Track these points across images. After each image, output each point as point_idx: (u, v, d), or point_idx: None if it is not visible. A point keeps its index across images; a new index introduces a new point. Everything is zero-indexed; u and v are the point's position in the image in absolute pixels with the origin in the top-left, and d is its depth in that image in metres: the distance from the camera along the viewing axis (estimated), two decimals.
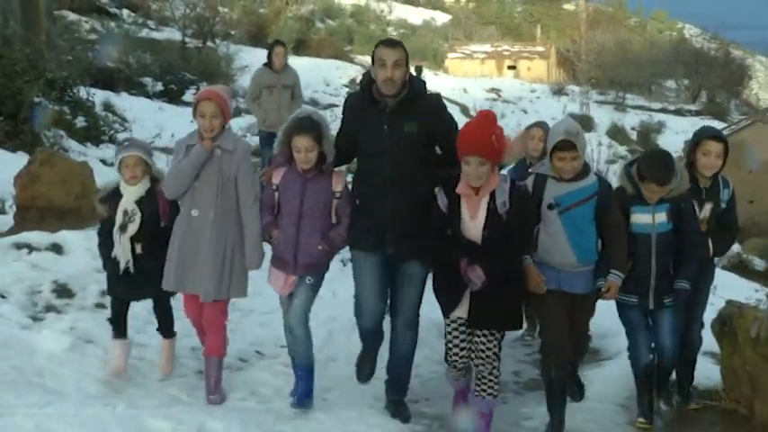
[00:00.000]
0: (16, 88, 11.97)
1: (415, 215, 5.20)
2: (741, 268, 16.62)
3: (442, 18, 76.16)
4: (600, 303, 5.48)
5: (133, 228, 5.66)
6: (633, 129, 36.25)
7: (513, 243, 5.03)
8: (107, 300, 6.18)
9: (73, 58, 18.55)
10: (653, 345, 5.50)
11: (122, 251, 5.68)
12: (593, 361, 6.71)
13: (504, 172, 6.26)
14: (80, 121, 13.84)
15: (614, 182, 5.79)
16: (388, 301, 5.57)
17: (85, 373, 5.66)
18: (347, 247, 5.62)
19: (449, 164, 5.19)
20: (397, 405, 5.62)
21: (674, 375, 5.84)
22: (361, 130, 5.39)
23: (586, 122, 33.60)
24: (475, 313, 5.11)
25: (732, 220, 5.87)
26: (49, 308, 6.66)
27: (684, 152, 5.81)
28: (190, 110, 5.72)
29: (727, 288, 8.10)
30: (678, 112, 44.54)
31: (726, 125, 33.17)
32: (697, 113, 45.10)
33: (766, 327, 5.50)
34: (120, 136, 14.91)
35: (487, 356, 5.17)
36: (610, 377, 5.96)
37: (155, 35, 30.45)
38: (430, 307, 5.46)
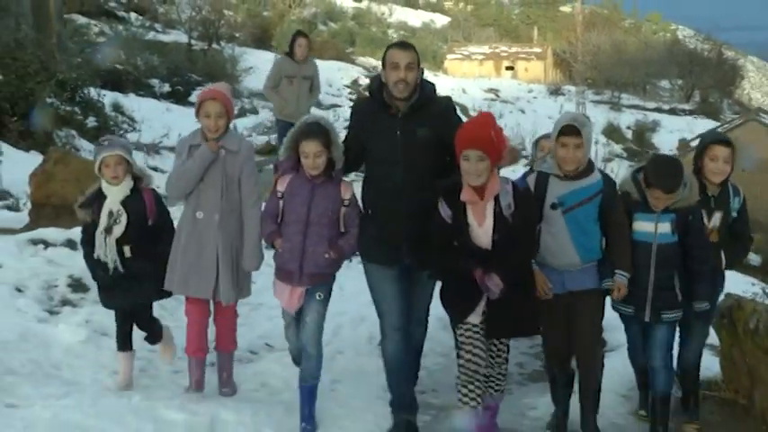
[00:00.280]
0: (29, 89, 12.01)
1: (428, 223, 4.92)
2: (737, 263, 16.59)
3: (441, 20, 76.11)
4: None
5: (119, 229, 5.34)
6: (628, 128, 36.21)
7: (521, 246, 4.84)
8: None
9: (82, 60, 18.56)
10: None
11: (108, 252, 5.36)
12: None
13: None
14: (91, 121, 13.89)
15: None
16: None
17: (101, 365, 5.68)
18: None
19: (448, 168, 4.95)
20: None
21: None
22: (371, 136, 5.12)
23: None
24: (492, 321, 4.87)
25: (744, 229, 5.50)
26: (65, 302, 6.68)
27: (692, 158, 5.45)
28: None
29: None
30: (672, 112, 44.46)
31: (719, 124, 33.19)
32: (691, 113, 45.05)
33: (765, 319, 5.51)
34: (130, 136, 14.96)
35: (497, 362, 5.10)
36: (611, 369, 5.95)
37: (162, 38, 30.41)
38: (434, 303, 5.39)
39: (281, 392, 5.71)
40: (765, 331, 5.48)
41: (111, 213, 5.33)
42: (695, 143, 23.94)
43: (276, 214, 5.21)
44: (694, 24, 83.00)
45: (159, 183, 5.87)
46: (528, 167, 6.92)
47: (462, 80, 47.43)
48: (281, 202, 5.17)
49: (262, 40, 37.61)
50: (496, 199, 4.78)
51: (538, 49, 65.19)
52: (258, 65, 28.37)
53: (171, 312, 6.48)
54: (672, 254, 5.05)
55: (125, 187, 5.38)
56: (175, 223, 5.51)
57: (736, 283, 9.85)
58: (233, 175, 5.30)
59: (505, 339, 5.10)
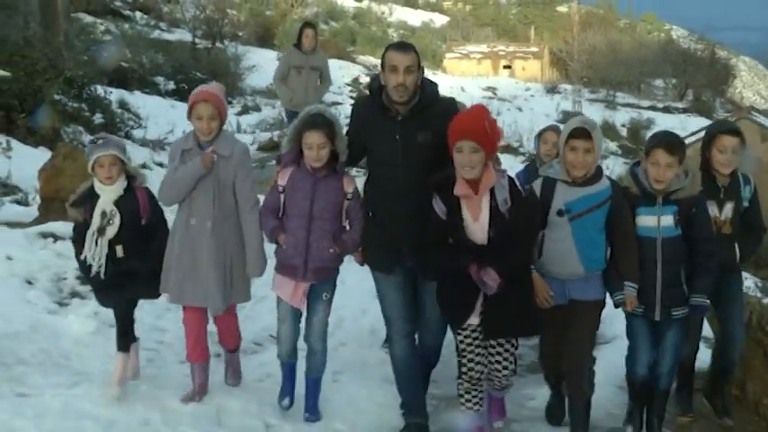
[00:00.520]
0: (37, 86, 12.02)
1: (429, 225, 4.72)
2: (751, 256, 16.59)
3: (440, 20, 75.93)
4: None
5: (112, 230, 5.11)
6: (623, 125, 36.11)
7: (520, 243, 4.61)
8: None
9: (89, 58, 18.57)
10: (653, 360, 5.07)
11: (97, 254, 5.12)
12: None
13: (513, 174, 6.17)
14: (98, 118, 13.89)
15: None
16: None
17: (110, 356, 5.68)
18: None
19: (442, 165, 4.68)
20: None
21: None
22: (371, 138, 4.92)
23: None
24: (489, 321, 4.67)
25: (757, 218, 5.28)
26: (74, 294, 6.71)
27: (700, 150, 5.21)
28: None
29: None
30: (666, 110, 44.36)
31: (712, 122, 33.15)
32: (684, 111, 44.95)
33: (757, 312, 5.53)
34: (136, 132, 14.99)
35: (504, 366, 4.85)
36: (607, 361, 5.97)
37: (166, 36, 30.36)
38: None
39: None
40: (758, 324, 5.50)
41: (104, 214, 5.11)
42: (689, 140, 23.96)
43: (277, 209, 5.03)
44: (688, 24, 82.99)
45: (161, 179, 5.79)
46: (526, 162, 6.88)
47: (461, 79, 47.36)
48: (282, 196, 4.99)
49: (264, 39, 37.56)
50: (492, 193, 4.56)
51: (535, 49, 65.08)
52: (261, 63, 28.37)
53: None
54: (677, 248, 4.80)
55: (119, 187, 5.15)
56: (170, 223, 5.36)
57: None
58: (226, 181, 5.06)
59: (512, 346, 4.84)
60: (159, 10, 35.89)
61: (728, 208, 5.14)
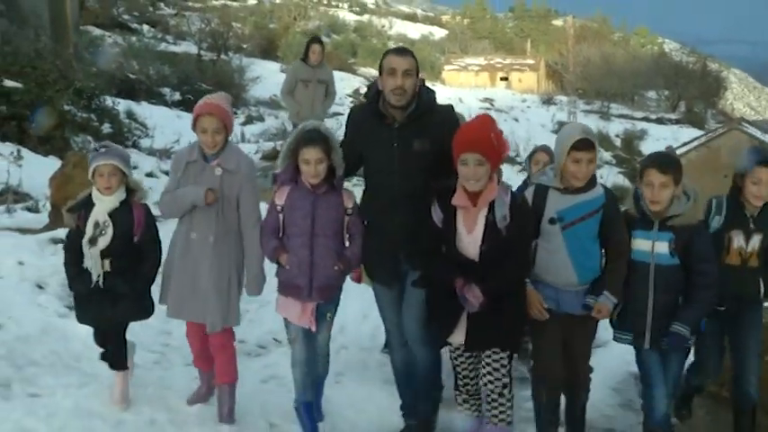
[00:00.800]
0: (47, 97, 12.07)
1: (425, 231, 4.53)
2: None
3: (439, 33, 76.19)
4: None
5: (104, 242, 4.83)
6: (617, 136, 36.23)
7: (514, 261, 4.35)
8: None
9: (98, 70, 18.64)
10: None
11: (93, 264, 4.86)
12: None
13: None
14: (106, 128, 13.96)
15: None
16: None
17: None
18: None
19: (446, 175, 4.48)
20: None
21: None
22: (367, 146, 4.73)
23: None
24: (470, 334, 4.44)
25: None
26: None
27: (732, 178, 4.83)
28: None
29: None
30: (659, 121, 44.50)
31: (703, 133, 33.23)
32: (677, 122, 45.11)
33: None
34: (143, 142, 15.05)
35: (496, 377, 4.50)
36: (601, 363, 5.99)
37: (173, 48, 30.53)
38: None
39: (289, 383, 5.72)
40: None
41: (97, 224, 4.85)
42: (681, 150, 24.02)
43: (276, 228, 4.79)
44: (680, 38, 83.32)
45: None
46: (525, 176, 6.71)
47: (459, 90, 47.48)
48: (280, 215, 4.76)
49: (268, 51, 37.77)
50: (491, 207, 4.33)
51: (531, 61, 65.23)
52: (264, 75, 28.52)
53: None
54: (672, 278, 4.48)
55: (116, 199, 4.88)
56: (167, 238, 5.10)
57: None
58: (230, 196, 4.84)
59: (494, 353, 4.49)
60: (166, 23, 36.10)
61: (756, 240, 4.74)
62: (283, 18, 45.59)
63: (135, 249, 4.91)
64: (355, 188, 5.25)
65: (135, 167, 12.54)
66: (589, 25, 78.23)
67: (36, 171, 10.10)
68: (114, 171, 4.84)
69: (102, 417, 4.92)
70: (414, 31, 73.49)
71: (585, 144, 4.40)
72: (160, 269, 5.07)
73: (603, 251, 4.60)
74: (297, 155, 4.63)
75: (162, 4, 41.49)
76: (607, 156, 30.66)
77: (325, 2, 72.63)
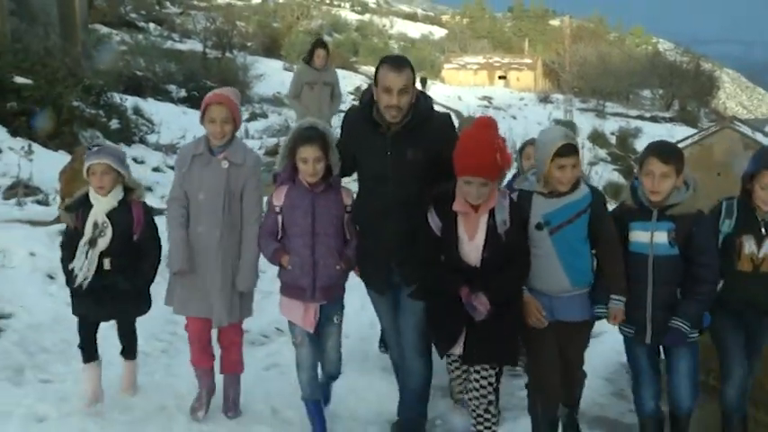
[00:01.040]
0: (57, 93, 12.09)
1: (420, 240, 4.34)
2: None
3: (439, 32, 76.20)
4: None
5: (104, 242, 4.71)
6: (612, 134, 36.19)
7: (516, 266, 4.18)
8: None
9: (105, 67, 18.66)
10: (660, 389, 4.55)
11: (86, 266, 4.73)
12: None
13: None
14: (114, 123, 13.97)
15: (596, 183, 5.50)
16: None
17: None
18: None
19: (443, 181, 4.28)
20: None
21: None
22: (361, 152, 4.54)
23: (570, 128, 33.65)
24: (469, 346, 4.24)
25: None
26: None
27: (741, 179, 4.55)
28: None
29: None
30: (653, 119, 44.49)
31: (696, 131, 33.23)
32: (670, 120, 45.10)
33: None
34: (150, 137, 15.09)
35: (482, 394, 4.33)
36: (594, 354, 6.02)
37: (179, 46, 30.54)
38: None
39: (291, 372, 5.75)
40: None
41: (95, 225, 4.73)
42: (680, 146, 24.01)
43: (275, 231, 4.60)
44: (674, 38, 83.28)
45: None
46: (515, 172, 6.58)
47: (458, 88, 47.59)
48: (279, 217, 4.58)
49: (271, 50, 37.82)
50: (491, 212, 4.14)
51: (528, 60, 65.23)
52: (268, 72, 28.58)
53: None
54: (672, 269, 4.27)
55: (112, 198, 4.77)
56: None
57: None
58: (236, 189, 4.70)
59: (483, 369, 4.31)
60: (172, 22, 36.12)
61: None
62: (286, 17, 45.61)
63: (135, 248, 4.82)
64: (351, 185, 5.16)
65: (142, 162, 12.68)
66: (585, 25, 78.16)
67: (46, 165, 10.15)
68: (107, 170, 4.71)
69: (111, 402, 4.99)
70: (414, 30, 73.52)
71: (569, 149, 4.18)
72: (161, 267, 4.99)
73: (594, 251, 4.39)
74: (295, 153, 4.47)
75: (168, 3, 41.50)
76: (602, 153, 30.68)
77: (328, 1, 72.63)
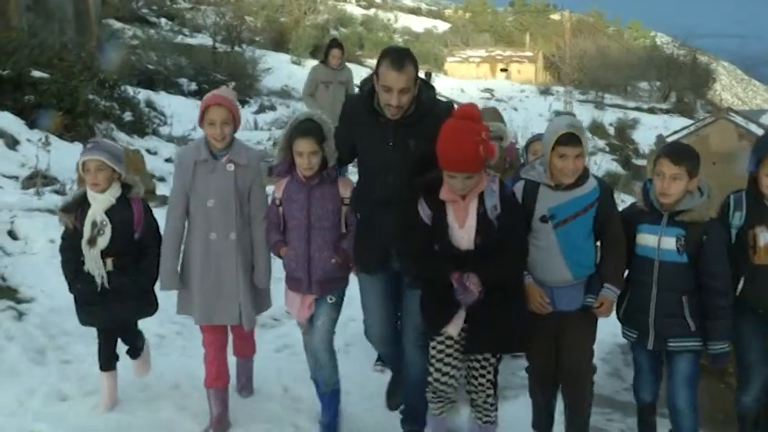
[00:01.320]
0: (73, 87, 12.15)
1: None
2: None
3: (442, 26, 75.89)
4: None
5: (103, 241, 4.51)
6: (611, 125, 36.13)
7: (510, 252, 3.95)
8: None
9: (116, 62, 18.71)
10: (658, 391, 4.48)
11: (95, 266, 4.54)
12: None
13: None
14: (127, 116, 14.04)
15: (595, 173, 5.28)
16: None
17: (144, 328, 5.90)
18: None
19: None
20: None
21: None
22: (361, 141, 4.35)
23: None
24: (471, 333, 4.03)
25: None
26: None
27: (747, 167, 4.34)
28: None
29: None
30: (651, 111, 44.40)
31: (692, 122, 33.18)
32: (667, 111, 45.01)
33: None
34: (162, 129, 15.17)
35: (481, 384, 4.15)
36: None
37: (189, 41, 30.51)
38: None
39: (301, 353, 5.78)
40: None
41: (94, 223, 4.52)
42: (671, 138, 24.04)
43: (278, 223, 4.50)
44: (671, 32, 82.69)
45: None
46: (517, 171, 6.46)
47: (461, 81, 47.48)
48: (280, 209, 4.48)
49: (279, 44, 37.77)
50: (481, 198, 3.94)
51: (529, 53, 65.00)
52: (276, 65, 28.57)
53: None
54: (678, 276, 4.04)
55: (110, 196, 4.56)
56: None
57: None
58: (244, 190, 4.53)
59: (485, 359, 4.13)
60: (182, 16, 36.05)
61: None
62: (294, 12, 45.45)
63: (136, 246, 4.62)
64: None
65: (155, 153, 12.77)
66: (585, 19, 77.84)
67: (62, 156, 10.23)
68: (101, 167, 4.49)
69: (128, 381, 5.09)
70: (418, 24, 73.25)
71: (571, 139, 3.97)
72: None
73: (599, 243, 4.21)
74: (292, 146, 4.34)
75: None
76: (601, 144, 30.69)
77: None
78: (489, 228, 3.91)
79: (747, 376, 4.39)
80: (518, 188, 4.18)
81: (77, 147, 10.87)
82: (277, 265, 5.40)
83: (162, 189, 10.03)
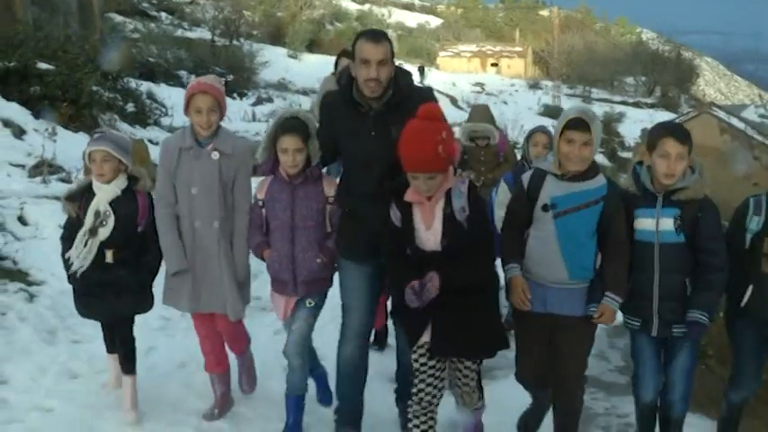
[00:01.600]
0: (77, 79, 12.19)
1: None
2: None
3: (434, 21, 75.96)
4: None
5: (105, 232, 4.33)
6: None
7: (476, 253, 3.70)
8: None
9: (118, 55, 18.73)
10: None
11: (83, 254, 4.34)
12: None
13: (503, 180, 5.64)
14: (130, 107, 14.09)
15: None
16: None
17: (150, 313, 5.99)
18: None
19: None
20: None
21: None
22: (343, 136, 4.10)
23: (557, 113, 33.73)
24: (436, 336, 3.79)
25: None
26: None
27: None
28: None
29: None
30: (636, 105, 44.61)
31: (676, 116, 33.33)
32: (652, 106, 45.23)
33: None
34: (164, 120, 15.22)
35: (466, 383, 4.00)
36: None
37: (188, 34, 30.56)
38: None
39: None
40: None
41: (97, 213, 4.35)
42: None
43: (261, 224, 4.32)
44: (657, 28, 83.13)
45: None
46: (518, 163, 6.28)
47: (452, 75, 47.54)
48: (263, 210, 4.30)
49: (276, 38, 37.84)
50: (448, 198, 3.72)
51: (519, 49, 65.10)
52: (273, 59, 28.58)
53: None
54: (678, 257, 3.88)
55: (115, 187, 4.38)
56: None
57: None
58: (228, 179, 4.34)
59: (470, 365, 3.96)
60: (182, 11, 36.04)
61: None
62: (290, 7, 45.41)
63: (138, 239, 4.44)
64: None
65: (157, 144, 12.80)
66: (573, 15, 77.93)
67: (68, 146, 10.26)
68: (107, 157, 4.33)
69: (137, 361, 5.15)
70: (411, 19, 73.26)
71: (579, 124, 3.77)
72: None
73: (601, 249, 3.92)
74: (276, 144, 4.16)
75: None
76: None
77: None
78: (457, 230, 3.70)
79: (741, 381, 4.26)
80: (526, 177, 4.03)
81: (82, 137, 10.93)
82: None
83: None
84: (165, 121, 15.36)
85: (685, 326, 3.87)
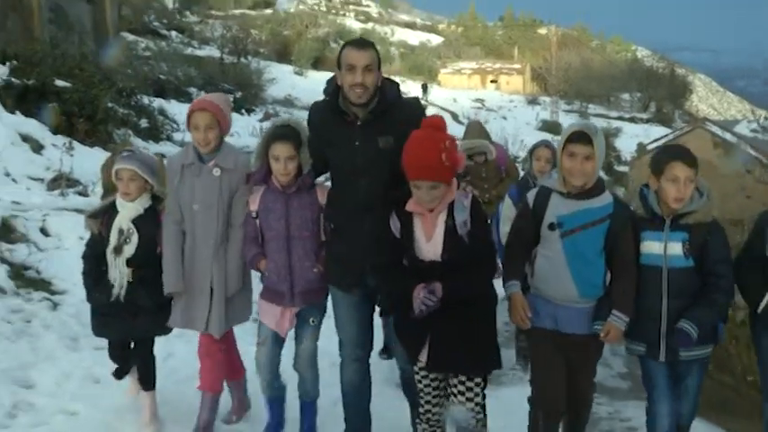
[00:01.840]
0: (93, 95, 12.34)
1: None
2: None
3: (436, 39, 76.29)
4: None
5: (129, 249, 4.22)
6: None
7: (479, 267, 3.59)
8: None
9: (132, 72, 18.87)
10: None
11: (119, 275, 4.23)
12: None
13: (507, 195, 5.54)
14: (143, 123, 14.23)
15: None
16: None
17: None
18: None
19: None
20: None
21: None
22: (330, 146, 3.90)
23: (556, 128, 33.87)
24: (433, 352, 3.63)
25: None
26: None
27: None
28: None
29: None
30: (632, 120, 44.83)
31: (671, 131, 33.45)
32: (647, 121, 45.45)
33: None
34: (176, 136, 15.34)
35: (468, 407, 3.68)
36: None
37: (198, 52, 30.83)
38: None
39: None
40: None
41: (121, 231, 4.23)
42: (652, 146, 24.27)
43: (256, 236, 4.12)
44: (651, 46, 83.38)
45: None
46: (522, 178, 6.10)
47: (453, 91, 47.83)
48: (256, 221, 4.10)
49: (283, 55, 38.14)
50: (451, 211, 3.57)
51: (518, 66, 65.40)
52: (280, 76, 28.74)
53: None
54: (688, 281, 3.68)
55: (138, 205, 4.26)
56: None
57: None
58: (230, 196, 4.17)
59: (466, 382, 3.69)
60: (191, 30, 36.33)
61: None
62: (296, 26, 45.80)
63: (159, 260, 4.26)
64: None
65: None
66: (570, 34, 78.29)
67: (84, 160, 10.37)
68: (134, 176, 4.22)
69: (157, 366, 5.20)
70: (413, 37, 73.62)
71: (581, 137, 3.62)
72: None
73: (609, 267, 3.75)
74: (268, 152, 3.99)
75: (188, 13, 41.65)
76: None
77: (334, 11, 72.69)
78: (458, 243, 3.54)
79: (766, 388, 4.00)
80: (531, 195, 3.86)
81: (98, 151, 11.06)
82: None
83: None
84: (177, 136, 15.49)
85: (676, 333, 3.65)
